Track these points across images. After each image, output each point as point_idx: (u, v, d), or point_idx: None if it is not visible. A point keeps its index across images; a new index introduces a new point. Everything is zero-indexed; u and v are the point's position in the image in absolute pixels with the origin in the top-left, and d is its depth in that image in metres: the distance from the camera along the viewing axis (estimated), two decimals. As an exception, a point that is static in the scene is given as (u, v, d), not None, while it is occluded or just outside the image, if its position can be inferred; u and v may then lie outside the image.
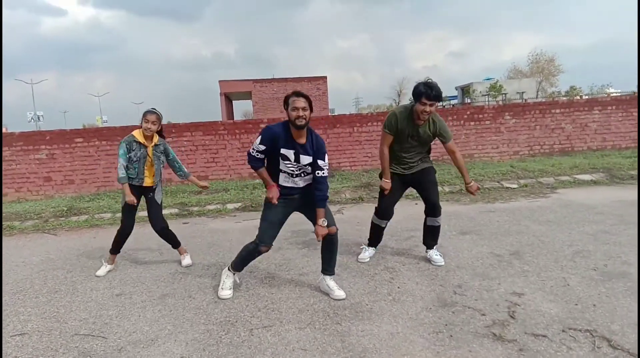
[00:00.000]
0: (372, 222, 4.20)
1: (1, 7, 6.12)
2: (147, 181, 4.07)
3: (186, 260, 4.31)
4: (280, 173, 3.30)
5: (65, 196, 8.49)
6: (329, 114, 23.03)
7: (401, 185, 4.02)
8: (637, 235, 4.42)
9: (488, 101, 41.58)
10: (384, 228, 4.18)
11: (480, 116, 9.78)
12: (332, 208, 6.49)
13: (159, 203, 4.24)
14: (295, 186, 3.34)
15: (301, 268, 4.04)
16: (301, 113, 3.09)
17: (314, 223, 3.31)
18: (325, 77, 28.78)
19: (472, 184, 3.92)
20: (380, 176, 4.03)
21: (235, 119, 30.87)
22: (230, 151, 9.22)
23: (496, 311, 2.98)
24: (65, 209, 7.10)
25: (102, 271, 4.15)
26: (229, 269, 3.57)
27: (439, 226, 4.04)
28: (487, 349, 2.54)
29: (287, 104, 3.15)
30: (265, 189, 3.40)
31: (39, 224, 6.46)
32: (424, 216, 4.07)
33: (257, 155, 3.24)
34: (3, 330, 3.12)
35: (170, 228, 4.35)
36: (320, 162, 3.23)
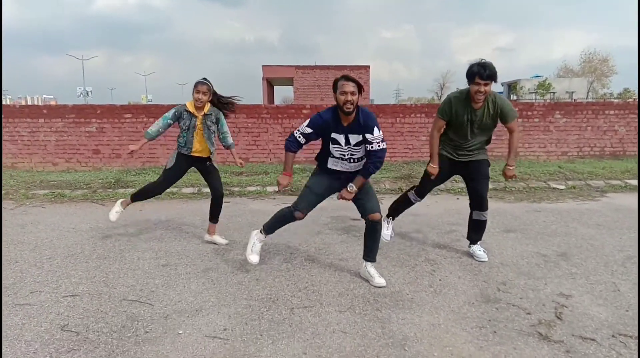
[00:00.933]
0: (405, 194, 4.18)
1: (1, 6, 6.32)
2: (197, 150, 4.07)
3: (215, 238, 4.31)
4: (330, 158, 3.29)
5: (112, 169, 8.79)
6: (369, 104, 22.87)
7: (449, 171, 3.89)
8: (637, 235, 4.28)
9: (536, 99, 40.24)
10: (411, 205, 4.18)
11: (529, 113, 9.47)
12: (372, 197, 6.46)
13: (218, 169, 4.29)
14: (344, 170, 3.32)
15: (340, 254, 4.05)
16: (349, 97, 3.06)
17: (357, 204, 3.36)
18: (368, 67, 28.57)
19: (512, 169, 3.78)
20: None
21: (277, 104, 31.06)
22: (271, 134, 9.29)
23: (542, 311, 2.91)
24: (113, 181, 7.35)
25: (113, 215, 4.27)
26: (260, 231, 3.58)
27: (485, 221, 3.92)
28: (532, 348, 2.49)
29: (335, 88, 3.12)
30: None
31: (88, 194, 6.71)
32: (465, 211, 4.01)
33: (300, 138, 3.23)
34: (56, 291, 3.27)
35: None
36: (368, 136, 3.15)
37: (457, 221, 5.02)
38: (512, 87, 51.13)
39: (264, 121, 9.29)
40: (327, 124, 3.18)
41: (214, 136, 4.15)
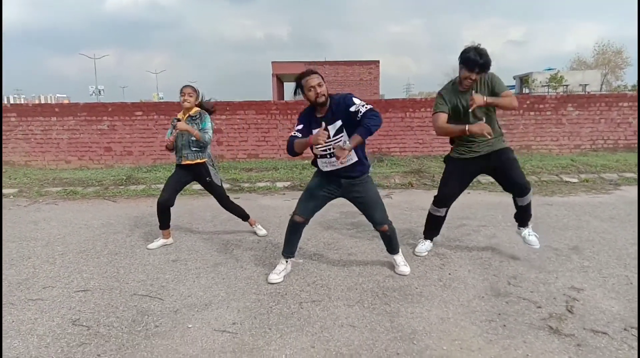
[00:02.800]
0: (428, 212, 3.84)
1: (1, 6, 6.38)
2: (184, 159, 4.03)
3: (261, 231, 4.48)
4: (318, 160, 3.23)
5: (124, 166, 8.86)
6: (379, 99, 22.76)
7: (470, 172, 3.61)
8: (637, 234, 4.21)
9: (548, 91, 39.73)
10: (443, 217, 3.81)
11: (541, 106, 9.35)
12: (381, 193, 6.44)
13: (220, 184, 4.24)
14: (336, 167, 3.14)
15: (349, 248, 4.05)
16: (318, 90, 2.95)
17: (363, 214, 3.38)
18: (378, 62, 28.33)
19: (478, 99, 3.23)
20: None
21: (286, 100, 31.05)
22: (281, 130, 9.30)
23: (553, 305, 2.88)
24: (124, 178, 7.42)
25: (154, 245, 4.11)
26: (282, 256, 3.45)
27: (530, 203, 3.58)
28: (542, 341, 2.46)
29: (302, 89, 3.02)
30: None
31: (100, 191, 6.78)
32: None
33: (296, 134, 3.10)
34: (68, 286, 3.32)
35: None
36: (352, 108, 2.92)
37: (467, 216, 4.98)
38: (524, 80, 50.52)
39: (273, 117, 9.29)
40: (307, 119, 3.13)
41: (195, 140, 3.97)
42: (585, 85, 42.82)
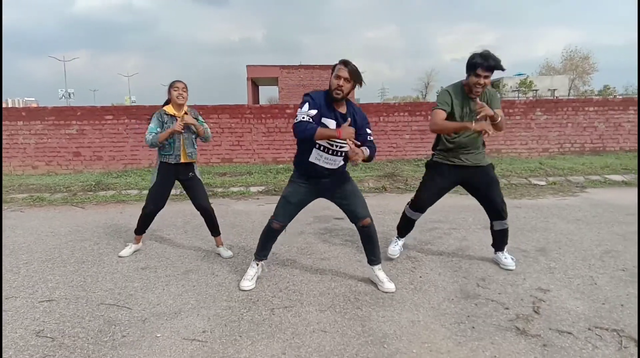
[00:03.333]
0: (404, 213, 3.86)
1: (1, 6, 6.22)
2: (183, 157, 3.82)
3: (226, 253, 4.01)
4: (314, 149, 3.05)
5: (94, 172, 8.67)
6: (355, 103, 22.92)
7: (451, 180, 3.58)
8: (637, 234, 4.34)
9: (518, 96, 40.70)
10: (415, 220, 3.84)
11: (511, 110, 9.57)
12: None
13: (202, 181, 4.06)
14: (327, 165, 3.09)
15: (322, 253, 4.04)
16: (342, 83, 2.93)
17: (344, 210, 3.28)
18: (353, 66, 28.54)
19: (488, 109, 3.19)
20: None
21: (261, 104, 30.97)
22: (255, 135, 9.26)
23: (520, 306, 2.94)
24: (94, 184, 7.26)
25: (126, 252, 4.01)
26: (253, 259, 3.42)
27: (507, 229, 3.64)
28: (509, 342, 2.51)
29: (333, 70, 3.01)
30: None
31: (68, 197, 6.62)
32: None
33: (310, 120, 2.90)
34: (32, 296, 3.22)
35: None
36: (369, 130, 3.15)
37: (439, 219, 5.05)
38: (495, 85, 51.60)
39: (247, 121, 9.25)
40: (321, 104, 3.00)
41: (195, 137, 3.90)
42: (554, 90, 44.06)
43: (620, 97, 22.26)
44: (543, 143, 9.69)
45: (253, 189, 7.06)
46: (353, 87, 3.03)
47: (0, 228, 4.60)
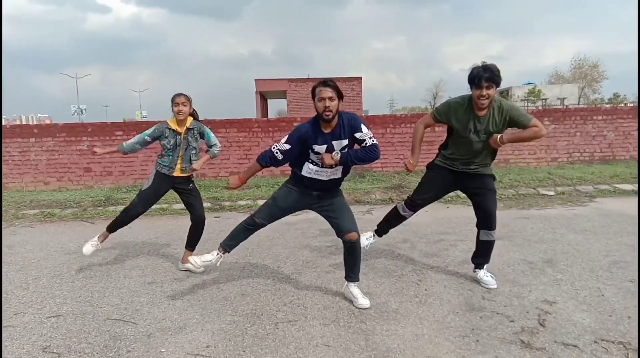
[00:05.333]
0: (395, 207, 3.77)
1: (1, 6, 6.35)
2: (179, 169, 3.83)
3: (197, 270, 3.84)
4: (306, 163, 3.08)
5: (104, 187, 8.78)
6: (362, 114, 22.99)
7: (448, 183, 3.54)
8: (637, 234, 4.27)
9: (527, 106, 40.52)
10: (403, 219, 3.75)
11: (518, 120, 9.53)
12: (362, 208, 6.48)
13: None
14: (319, 178, 3.09)
15: (327, 266, 4.05)
16: (328, 103, 2.87)
17: (331, 223, 3.22)
18: (360, 78, 28.68)
19: (500, 138, 3.24)
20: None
21: (269, 118, 31.14)
22: (263, 148, 9.31)
23: (525, 319, 2.91)
24: (103, 199, 7.35)
25: (87, 249, 3.86)
26: (219, 246, 3.32)
27: (493, 242, 3.56)
28: (514, 356, 2.49)
29: (314, 95, 2.97)
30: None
31: (78, 212, 6.70)
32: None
33: (277, 154, 3.02)
34: (40, 312, 3.26)
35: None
36: (358, 134, 2.97)
37: (446, 231, 5.03)
38: (503, 94, 51.51)
39: (255, 134, 9.32)
40: (305, 137, 3.01)
41: (195, 153, 3.89)
42: (564, 98, 43.83)
43: (631, 105, 22.09)
44: (552, 153, 9.63)
45: (261, 202, 7.09)
46: (339, 102, 2.97)
47: (0, 243, 4.64)
